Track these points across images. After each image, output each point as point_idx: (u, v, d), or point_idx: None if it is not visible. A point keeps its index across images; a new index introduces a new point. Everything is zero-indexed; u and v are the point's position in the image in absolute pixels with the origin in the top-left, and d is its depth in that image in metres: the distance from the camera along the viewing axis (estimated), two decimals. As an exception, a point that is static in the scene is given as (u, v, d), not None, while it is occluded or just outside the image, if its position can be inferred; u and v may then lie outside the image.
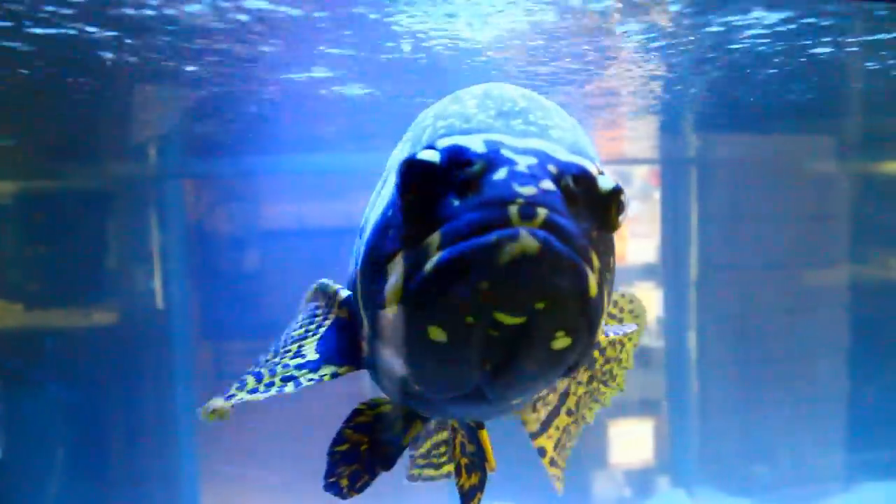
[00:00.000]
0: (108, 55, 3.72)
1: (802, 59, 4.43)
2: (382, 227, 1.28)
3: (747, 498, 6.02)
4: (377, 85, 4.60)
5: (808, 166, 6.79)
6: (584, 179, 1.19)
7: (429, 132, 1.31)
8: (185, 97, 4.99)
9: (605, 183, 1.22)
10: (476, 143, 1.18)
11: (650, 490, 6.18)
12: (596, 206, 1.21)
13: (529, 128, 1.24)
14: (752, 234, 6.45)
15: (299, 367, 1.48)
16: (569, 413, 1.90)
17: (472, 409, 1.49)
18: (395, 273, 1.19)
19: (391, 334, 1.24)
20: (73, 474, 5.58)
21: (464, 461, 1.77)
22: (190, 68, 4.07)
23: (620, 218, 1.24)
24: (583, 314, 1.14)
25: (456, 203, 1.14)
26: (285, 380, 1.44)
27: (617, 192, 1.22)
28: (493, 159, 1.15)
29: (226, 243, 6.16)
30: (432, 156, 1.18)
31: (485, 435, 1.72)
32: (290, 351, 1.55)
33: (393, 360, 1.31)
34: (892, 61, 4.57)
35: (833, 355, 6.39)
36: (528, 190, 1.10)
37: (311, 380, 1.44)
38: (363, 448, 1.64)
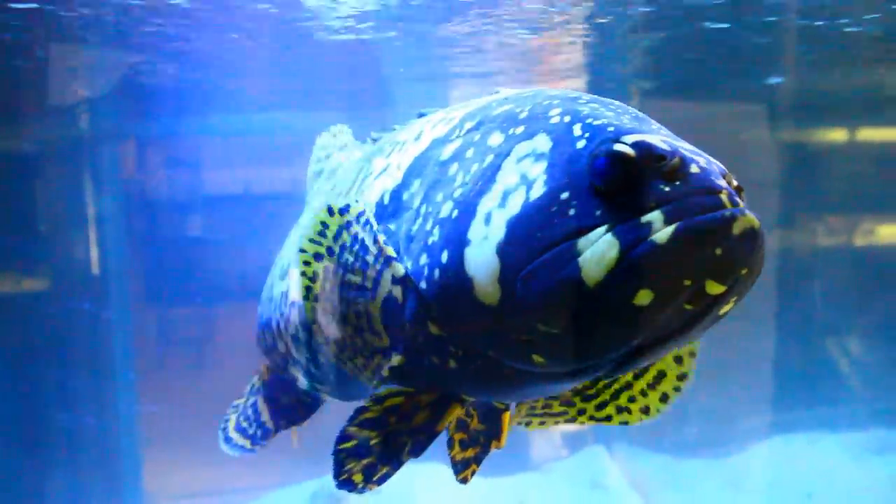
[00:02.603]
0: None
1: (733, 23, 4.56)
2: (548, 210, 1.42)
3: (662, 453, 6.35)
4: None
5: (739, 133, 6.98)
6: (729, 176, 1.42)
7: (580, 126, 1.48)
8: (117, 58, 4.85)
9: (733, 177, 1.44)
10: (657, 141, 1.40)
11: (577, 447, 6.45)
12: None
13: (670, 133, 1.50)
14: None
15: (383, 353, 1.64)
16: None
17: (555, 386, 1.62)
18: (602, 247, 1.35)
19: (570, 304, 1.38)
20: (4, 447, 5.41)
21: (459, 436, 1.84)
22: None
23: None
24: (754, 283, 1.38)
25: (667, 189, 1.36)
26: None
27: (741, 187, 1.43)
28: (682, 156, 1.39)
29: (167, 208, 6.01)
30: (627, 149, 1.39)
31: (507, 417, 1.83)
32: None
33: (533, 335, 1.43)
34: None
35: (760, 319, 6.65)
36: (723, 182, 1.37)
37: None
38: (373, 442, 1.67)
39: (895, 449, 6.26)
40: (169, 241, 6.05)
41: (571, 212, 1.40)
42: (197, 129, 6.17)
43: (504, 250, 1.43)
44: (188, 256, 6.01)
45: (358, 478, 1.67)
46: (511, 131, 1.57)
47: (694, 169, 1.37)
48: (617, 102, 1.58)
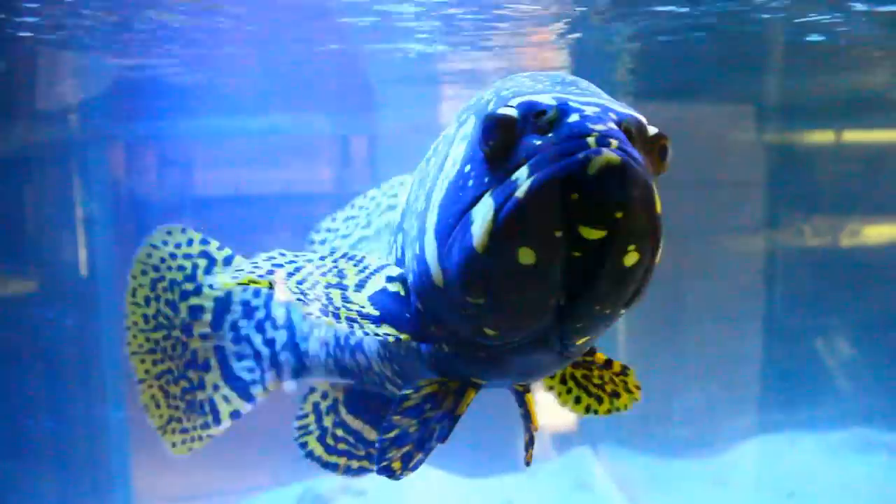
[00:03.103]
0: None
1: (721, 27, 4.59)
2: (457, 185, 1.46)
3: (648, 453, 6.40)
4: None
5: (727, 134, 7.01)
6: (638, 125, 1.37)
7: (494, 100, 1.47)
8: (106, 60, 4.86)
9: (653, 129, 1.40)
10: (546, 98, 1.37)
11: (564, 448, 6.49)
12: (648, 149, 1.39)
13: (584, 92, 1.44)
14: (672, 200, 6.63)
15: (362, 314, 1.62)
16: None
17: (535, 359, 1.59)
18: (483, 211, 1.36)
19: (478, 273, 1.38)
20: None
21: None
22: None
23: (665, 162, 1.43)
24: (651, 228, 1.32)
25: (538, 142, 1.33)
26: (349, 321, 1.58)
27: (663, 136, 1.40)
28: (564, 108, 1.34)
29: (158, 209, 6.01)
30: (509, 110, 1.37)
31: (531, 398, 1.85)
32: (343, 286, 1.69)
33: (470, 308, 1.44)
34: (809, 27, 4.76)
35: (748, 319, 6.69)
36: (600, 126, 1.29)
37: (375, 334, 1.59)
38: (412, 430, 1.72)
39: (876, 447, 6.33)
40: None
41: (470, 182, 1.42)
42: (188, 131, 6.18)
43: (437, 232, 1.49)
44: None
45: (397, 465, 1.71)
46: (461, 118, 1.62)
47: (572, 118, 1.32)
48: (582, 83, 1.52)
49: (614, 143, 1.27)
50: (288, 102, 6.14)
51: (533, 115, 1.35)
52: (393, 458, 1.71)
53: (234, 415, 2.50)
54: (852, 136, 7.31)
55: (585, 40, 4.69)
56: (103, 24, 3.93)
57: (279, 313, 2.55)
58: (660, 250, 1.38)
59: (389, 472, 1.71)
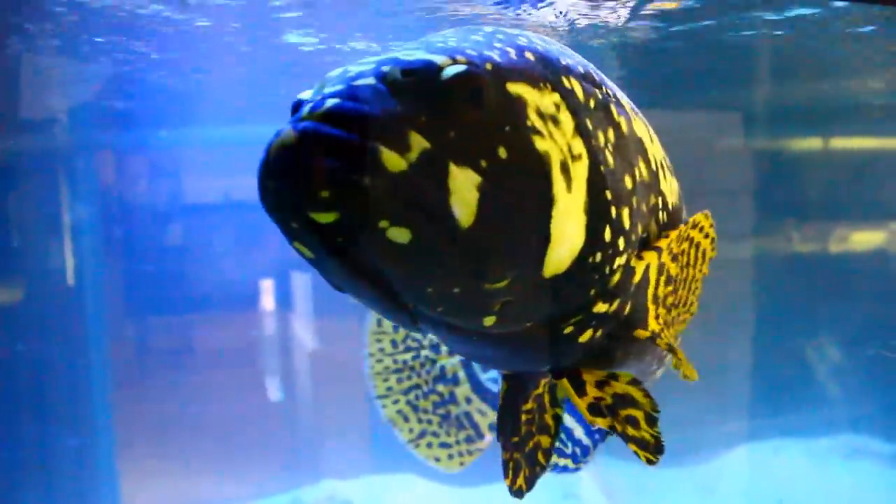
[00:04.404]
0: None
1: (708, 33, 4.61)
2: None
3: (634, 462, 6.36)
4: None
5: (715, 141, 7.03)
6: (416, 71, 1.19)
7: None
8: (92, 71, 4.86)
9: (450, 70, 1.20)
10: (307, 94, 1.23)
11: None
12: (436, 94, 1.18)
13: (407, 47, 1.30)
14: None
15: None
16: (668, 281, 1.82)
17: (478, 343, 1.52)
18: None
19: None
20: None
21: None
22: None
23: (479, 109, 1.21)
24: (392, 195, 1.11)
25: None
26: None
27: (465, 77, 1.20)
28: (297, 103, 1.21)
29: (147, 218, 6.00)
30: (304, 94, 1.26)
31: (566, 385, 1.72)
32: None
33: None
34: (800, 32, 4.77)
35: (735, 326, 6.70)
36: (308, 110, 1.13)
37: None
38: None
39: (862, 454, 6.35)
40: (146, 251, 6.05)
41: None
42: (176, 140, 6.18)
43: None
44: (167, 266, 6.01)
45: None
46: None
47: (305, 95, 1.21)
48: (413, 44, 1.36)
49: (320, 110, 1.11)
50: (279, 112, 6.13)
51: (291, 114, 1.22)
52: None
53: (492, 427, 2.44)
54: (841, 143, 7.34)
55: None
56: (92, 30, 3.93)
57: None
58: (454, 214, 1.16)
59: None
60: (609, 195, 1.41)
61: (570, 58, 1.51)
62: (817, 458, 6.36)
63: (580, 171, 1.34)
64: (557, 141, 1.31)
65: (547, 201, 1.28)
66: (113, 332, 5.90)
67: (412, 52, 1.24)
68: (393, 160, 1.10)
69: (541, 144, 1.28)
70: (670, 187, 1.85)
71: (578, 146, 1.35)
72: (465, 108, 1.19)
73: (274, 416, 5.60)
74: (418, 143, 1.13)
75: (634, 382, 1.68)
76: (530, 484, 1.85)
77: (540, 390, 1.79)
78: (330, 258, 1.19)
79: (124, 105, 5.91)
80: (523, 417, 1.83)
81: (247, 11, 3.84)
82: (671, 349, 1.70)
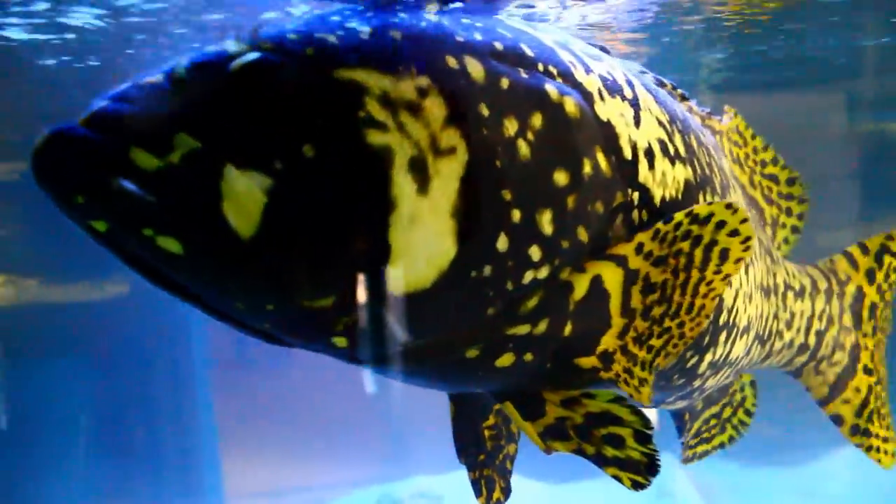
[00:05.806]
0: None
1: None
2: None
3: (732, 460, 6.20)
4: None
5: (818, 125, 6.76)
6: (202, 65, 1.10)
7: None
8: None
9: (239, 61, 1.10)
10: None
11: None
12: (221, 88, 1.09)
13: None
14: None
15: None
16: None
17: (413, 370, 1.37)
18: None
19: None
20: (90, 451, 5.64)
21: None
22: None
23: (254, 97, 1.08)
24: (150, 200, 1.02)
25: None
26: None
27: (246, 68, 1.09)
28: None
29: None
30: None
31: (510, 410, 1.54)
32: None
33: None
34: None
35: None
36: (106, 103, 1.05)
37: None
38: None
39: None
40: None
41: None
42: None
43: None
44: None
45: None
46: None
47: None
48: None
49: (87, 115, 1.02)
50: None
51: None
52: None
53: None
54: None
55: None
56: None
57: None
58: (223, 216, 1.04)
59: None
60: (507, 195, 1.20)
61: (490, 33, 1.29)
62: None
63: (449, 167, 1.15)
64: (409, 133, 1.14)
65: (381, 205, 1.11)
66: (214, 326, 6.07)
67: (225, 43, 1.13)
68: (145, 160, 1.01)
69: (376, 138, 1.12)
70: (663, 179, 1.50)
71: (451, 138, 1.16)
72: (256, 102, 1.08)
73: (367, 411, 5.69)
74: (184, 142, 1.03)
75: (618, 400, 1.43)
76: (507, 493, 1.69)
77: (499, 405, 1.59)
78: (132, 266, 1.09)
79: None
80: (486, 434, 1.68)
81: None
82: (620, 379, 1.46)
